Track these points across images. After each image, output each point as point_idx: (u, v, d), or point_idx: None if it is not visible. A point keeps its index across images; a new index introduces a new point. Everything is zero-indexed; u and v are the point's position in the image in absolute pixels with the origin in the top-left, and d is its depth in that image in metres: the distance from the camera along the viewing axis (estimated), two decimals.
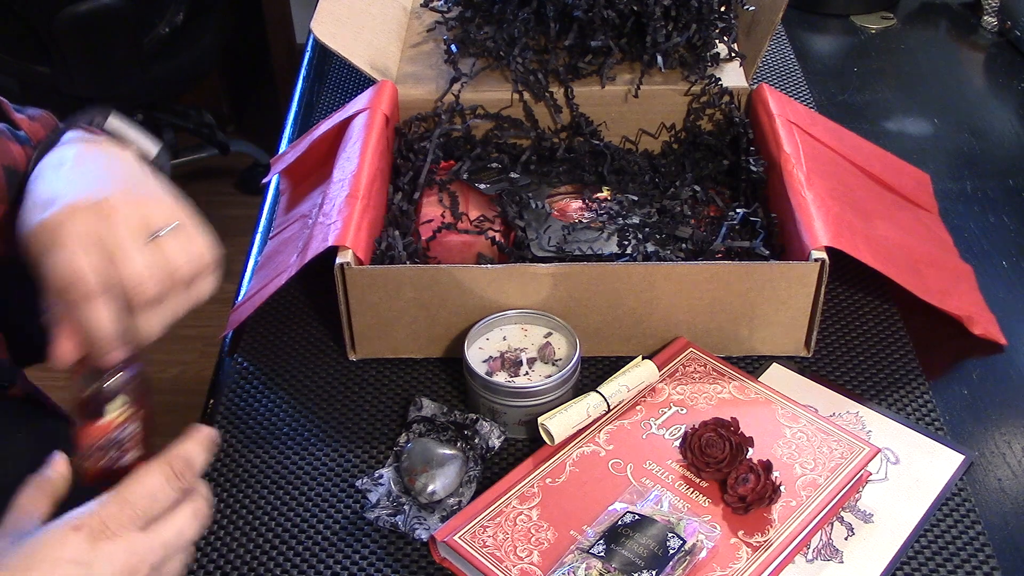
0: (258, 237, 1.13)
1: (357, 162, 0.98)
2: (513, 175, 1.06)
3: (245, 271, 1.08)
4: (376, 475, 0.83)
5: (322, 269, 0.91)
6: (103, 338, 0.62)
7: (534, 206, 1.01)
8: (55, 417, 0.82)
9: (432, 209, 1.03)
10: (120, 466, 0.64)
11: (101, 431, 0.63)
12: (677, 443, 0.84)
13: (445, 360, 0.95)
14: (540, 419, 0.83)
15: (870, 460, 0.81)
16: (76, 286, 0.61)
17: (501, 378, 0.87)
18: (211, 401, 0.94)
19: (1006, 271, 1.05)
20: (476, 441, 0.85)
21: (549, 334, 0.91)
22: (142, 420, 0.64)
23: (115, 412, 0.64)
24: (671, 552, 0.73)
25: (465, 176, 1.05)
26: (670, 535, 0.74)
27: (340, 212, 0.92)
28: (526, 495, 0.80)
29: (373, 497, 0.82)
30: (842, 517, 0.81)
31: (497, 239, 0.98)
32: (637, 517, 0.76)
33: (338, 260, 0.88)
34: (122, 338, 0.63)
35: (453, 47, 1.16)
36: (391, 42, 1.19)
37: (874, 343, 0.96)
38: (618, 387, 0.86)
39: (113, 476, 0.61)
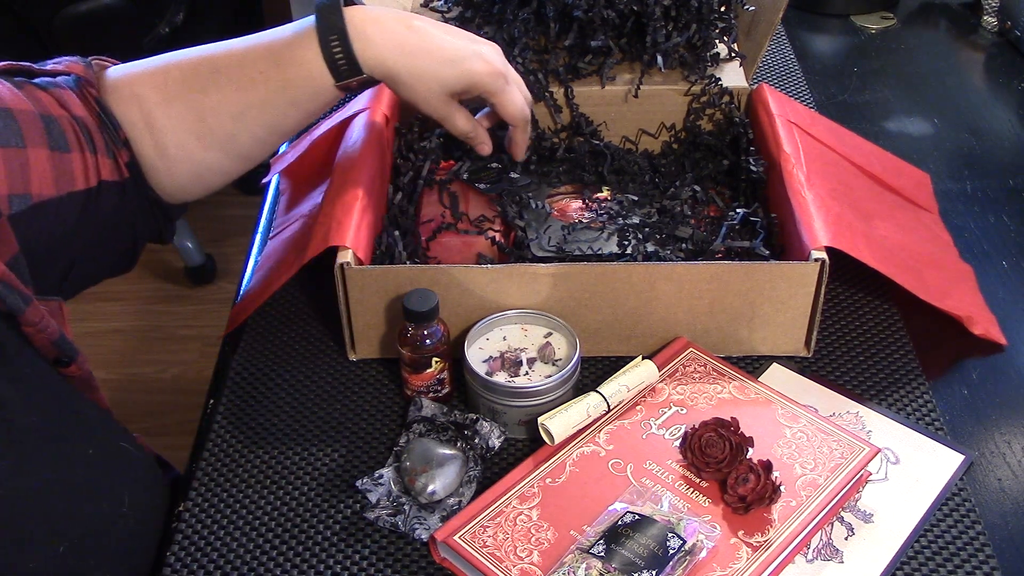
0: (258, 237, 1.13)
1: (357, 162, 0.98)
2: (513, 175, 1.06)
3: (245, 271, 1.08)
4: (376, 475, 0.83)
5: (322, 269, 0.91)
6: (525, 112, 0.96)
7: (534, 206, 1.01)
8: (98, 407, 0.84)
9: (432, 209, 1.03)
10: (441, 396, 0.90)
11: (429, 376, 0.88)
12: (677, 443, 0.84)
13: None
14: (540, 419, 0.83)
15: (870, 460, 0.81)
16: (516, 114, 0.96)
17: (501, 378, 0.87)
18: (211, 401, 0.94)
19: (1006, 271, 1.05)
20: (476, 441, 0.85)
21: (549, 334, 0.91)
22: (449, 368, 0.90)
23: (436, 366, 0.88)
24: (671, 552, 0.73)
25: (465, 176, 1.05)
26: (670, 535, 0.74)
27: (340, 212, 0.92)
28: (526, 495, 0.80)
29: (373, 497, 0.82)
30: (842, 517, 0.81)
31: (497, 239, 0.98)
32: (637, 517, 0.76)
33: (338, 260, 0.88)
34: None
35: None
36: None
37: (874, 343, 0.96)
38: (618, 387, 0.86)
39: (444, 400, 0.91)
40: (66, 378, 0.80)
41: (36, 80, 0.84)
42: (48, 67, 0.87)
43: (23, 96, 0.80)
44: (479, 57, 0.90)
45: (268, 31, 0.88)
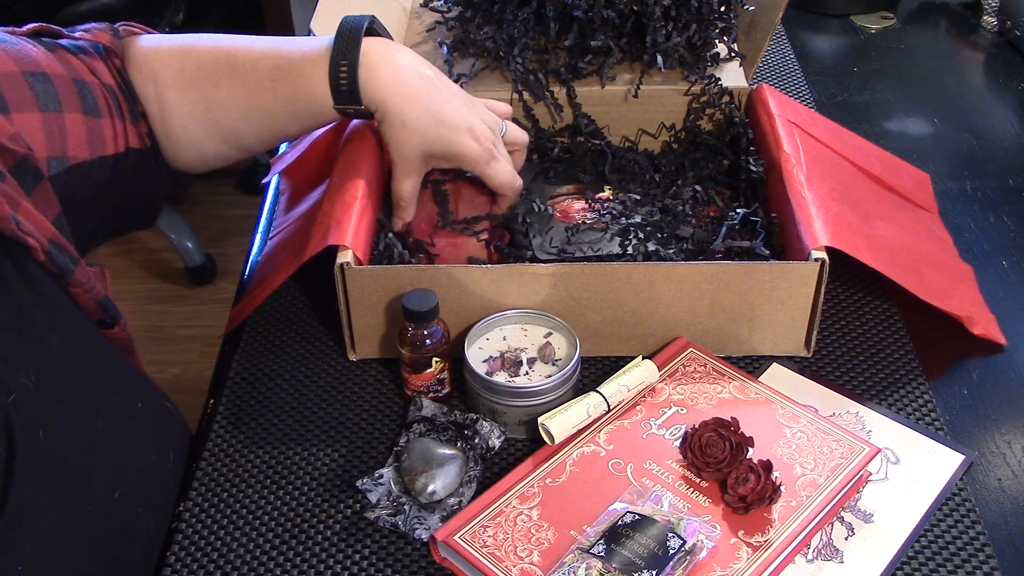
0: (258, 237, 1.13)
1: (357, 162, 0.98)
2: None
3: (245, 271, 1.08)
4: (376, 475, 0.83)
5: (322, 269, 0.91)
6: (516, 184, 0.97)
7: (535, 208, 1.01)
8: (140, 369, 0.87)
9: (430, 208, 1.03)
10: (441, 396, 0.90)
11: (429, 376, 0.88)
12: (677, 443, 0.84)
13: None
14: (540, 419, 0.83)
15: (870, 460, 0.81)
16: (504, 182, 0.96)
17: (501, 378, 0.87)
18: (211, 401, 0.94)
19: (1006, 271, 1.05)
20: (476, 441, 0.85)
21: (549, 334, 0.91)
22: (449, 368, 0.89)
23: (436, 366, 0.87)
24: (671, 552, 0.73)
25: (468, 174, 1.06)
26: (670, 535, 0.74)
27: (340, 212, 0.92)
28: (526, 495, 0.80)
29: (373, 497, 0.82)
30: (842, 517, 0.81)
31: (486, 237, 0.98)
32: (637, 517, 0.76)
33: (338, 260, 0.88)
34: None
35: (445, 49, 1.16)
36: None
37: (874, 343, 0.96)
38: (618, 387, 0.86)
39: (444, 400, 0.91)
40: (115, 339, 0.83)
41: (64, 43, 0.86)
42: (77, 33, 0.89)
43: (56, 60, 0.83)
44: (470, 133, 0.91)
45: (292, 39, 0.91)
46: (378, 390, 0.93)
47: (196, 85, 0.89)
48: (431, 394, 0.89)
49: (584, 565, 0.72)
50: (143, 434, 0.82)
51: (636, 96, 1.12)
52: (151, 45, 0.90)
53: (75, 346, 0.76)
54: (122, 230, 0.94)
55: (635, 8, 1.09)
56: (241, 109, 0.89)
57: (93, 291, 0.78)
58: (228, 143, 0.92)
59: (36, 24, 0.86)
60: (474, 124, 0.92)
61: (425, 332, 0.86)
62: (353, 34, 0.88)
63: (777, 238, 0.97)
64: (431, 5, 1.24)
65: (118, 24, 0.91)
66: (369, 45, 0.88)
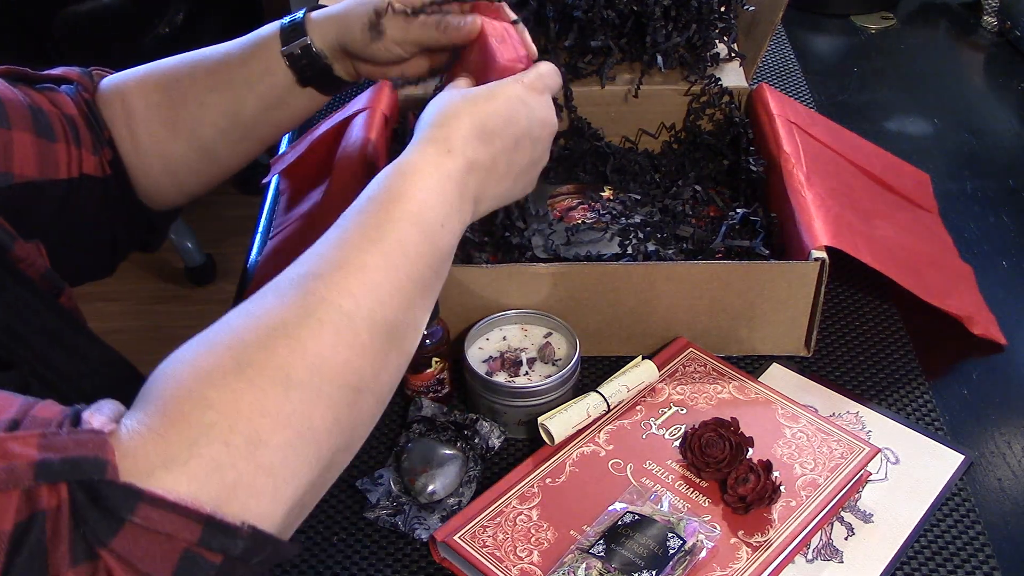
0: (258, 237, 1.13)
1: (356, 162, 0.98)
2: None
3: (245, 271, 1.08)
4: (376, 475, 0.83)
5: None
6: None
7: (533, 211, 1.01)
8: (93, 334, 0.86)
9: None
10: (441, 396, 0.90)
11: (428, 376, 0.88)
12: (677, 443, 0.84)
13: None
14: (540, 419, 0.83)
15: (870, 460, 0.81)
16: None
17: (501, 378, 0.87)
18: None
19: (1006, 271, 1.05)
20: (476, 441, 0.85)
21: (549, 334, 0.91)
22: (449, 368, 0.90)
23: (435, 366, 0.88)
24: (671, 552, 0.73)
25: None
26: (670, 535, 0.74)
27: (340, 213, 0.91)
28: (526, 495, 0.80)
29: (373, 497, 0.82)
30: (842, 517, 0.81)
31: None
32: (637, 517, 0.76)
33: None
34: None
35: None
36: None
37: (874, 343, 0.96)
38: (618, 387, 0.86)
39: (444, 400, 0.91)
40: (64, 307, 0.83)
41: (36, 87, 0.88)
42: (45, 73, 0.90)
43: (15, 90, 0.84)
44: None
45: None
46: None
47: (161, 87, 0.91)
48: (431, 394, 0.89)
49: (584, 565, 0.72)
50: (99, 390, 0.82)
51: (636, 96, 1.12)
52: (120, 75, 0.93)
53: (35, 303, 0.77)
54: (74, 275, 0.92)
55: (635, 8, 1.09)
56: (201, 95, 0.91)
57: (36, 264, 0.79)
58: (189, 142, 0.92)
59: (7, 67, 0.88)
60: None
61: (425, 332, 0.86)
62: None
63: (777, 238, 0.97)
64: None
65: (91, 68, 0.94)
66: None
